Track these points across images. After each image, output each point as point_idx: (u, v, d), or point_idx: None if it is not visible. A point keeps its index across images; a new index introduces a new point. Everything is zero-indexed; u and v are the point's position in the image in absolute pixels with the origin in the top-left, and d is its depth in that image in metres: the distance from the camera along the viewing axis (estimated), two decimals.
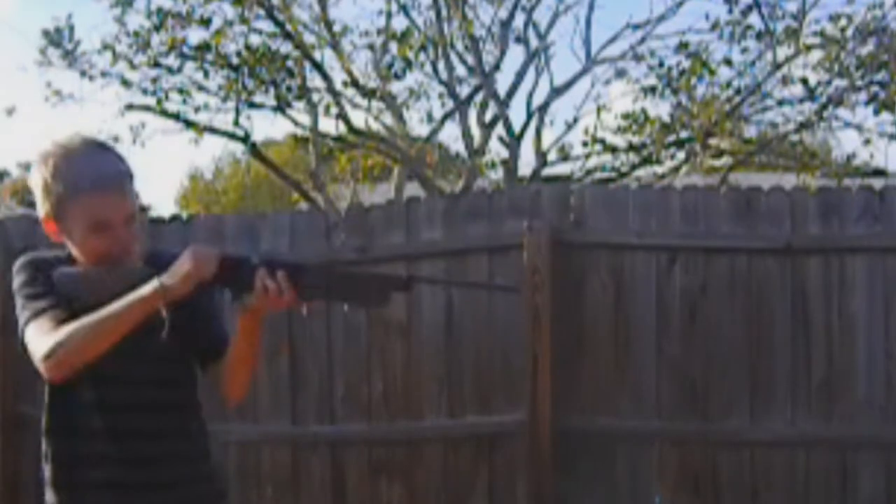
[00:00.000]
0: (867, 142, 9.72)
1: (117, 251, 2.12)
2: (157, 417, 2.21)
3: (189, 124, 10.08)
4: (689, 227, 5.15)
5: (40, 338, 2.06)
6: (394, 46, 10.19)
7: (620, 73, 10.48)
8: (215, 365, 2.25)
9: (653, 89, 10.25)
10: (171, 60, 9.82)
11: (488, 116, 10.31)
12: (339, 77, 10.11)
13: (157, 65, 9.81)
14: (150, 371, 2.19)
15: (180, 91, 10.00)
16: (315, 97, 10.18)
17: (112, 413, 2.17)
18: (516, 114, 14.97)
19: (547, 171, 10.47)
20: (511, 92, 10.40)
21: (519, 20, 10.41)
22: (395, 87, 10.45)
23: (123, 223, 2.12)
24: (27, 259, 2.19)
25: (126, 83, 9.82)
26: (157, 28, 9.60)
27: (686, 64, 9.87)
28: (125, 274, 2.10)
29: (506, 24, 10.32)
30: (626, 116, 10.41)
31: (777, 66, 9.56)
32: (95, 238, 2.11)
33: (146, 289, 2.03)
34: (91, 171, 2.09)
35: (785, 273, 5.08)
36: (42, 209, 2.15)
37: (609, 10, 26.72)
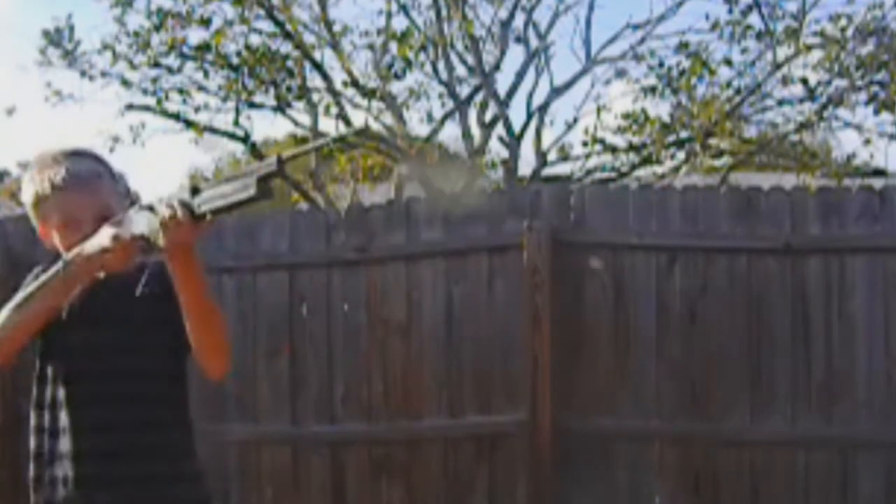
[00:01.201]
0: (867, 142, 9.72)
1: None
2: (134, 410, 2.20)
3: (189, 124, 10.08)
4: (689, 227, 5.15)
5: None
6: (394, 46, 10.18)
7: (620, 73, 10.48)
8: (186, 353, 2.23)
9: (653, 89, 10.24)
10: (171, 60, 9.82)
11: (488, 116, 10.30)
12: (339, 77, 10.12)
13: (157, 65, 9.81)
14: (112, 364, 2.20)
15: (180, 91, 10.00)
16: (315, 97, 10.18)
17: (85, 406, 2.18)
18: (516, 114, 14.95)
19: (547, 171, 10.46)
20: (511, 92, 10.40)
21: (519, 20, 10.42)
22: (395, 87, 10.44)
23: (93, 220, 2.15)
24: (36, 270, 2.26)
25: (126, 83, 9.82)
26: (157, 28, 9.60)
27: (686, 64, 9.87)
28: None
29: (506, 24, 10.32)
30: (626, 116, 10.40)
31: (777, 66, 9.56)
32: (71, 235, 2.17)
33: (67, 256, 2.10)
34: (64, 170, 2.20)
35: (785, 273, 5.08)
36: (31, 215, 2.28)
37: (609, 10, 26.66)
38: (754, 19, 9.60)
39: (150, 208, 2.03)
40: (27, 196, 2.26)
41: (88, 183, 2.21)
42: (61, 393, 2.19)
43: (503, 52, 10.29)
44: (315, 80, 10.09)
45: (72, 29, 9.87)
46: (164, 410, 2.26)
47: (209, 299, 2.13)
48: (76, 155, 2.26)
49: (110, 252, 2.04)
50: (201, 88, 10.01)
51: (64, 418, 2.18)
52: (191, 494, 2.28)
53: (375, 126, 10.52)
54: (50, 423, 2.21)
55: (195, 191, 1.98)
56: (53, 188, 2.19)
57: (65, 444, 2.18)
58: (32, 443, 2.26)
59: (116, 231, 2.04)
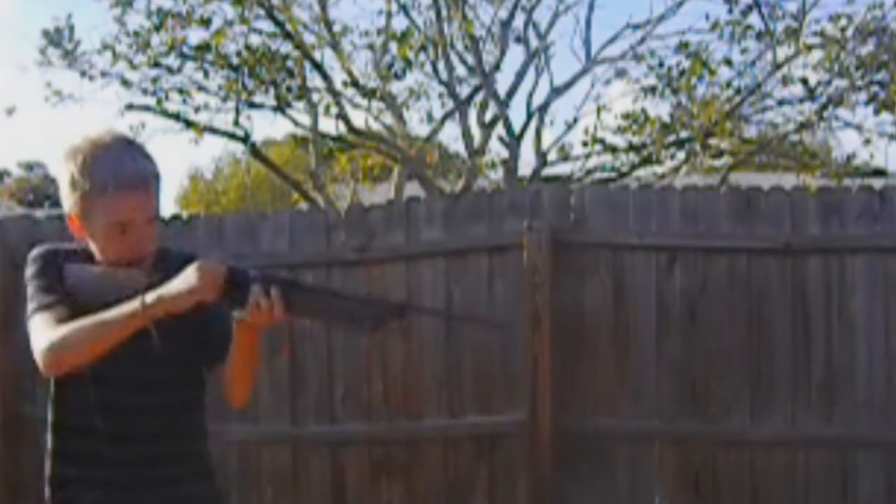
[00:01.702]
0: (867, 142, 9.71)
1: (137, 251, 2.12)
2: (157, 419, 2.20)
3: (189, 124, 10.07)
4: (689, 227, 5.15)
5: (42, 332, 2.07)
6: (394, 46, 10.17)
7: (620, 73, 10.47)
8: (219, 366, 2.23)
9: (653, 89, 10.24)
10: (171, 60, 9.80)
11: (488, 116, 10.30)
12: (339, 77, 10.11)
13: (157, 65, 9.80)
14: (152, 373, 2.18)
15: (180, 91, 9.99)
16: (315, 97, 10.17)
17: (112, 414, 2.16)
18: (516, 114, 14.99)
19: (547, 171, 10.46)
20: (511, 92, 10.39)
21: (519, 20, 10.41)
22: (395, 87, 10.44)
23: (146, 224, 2.11)
24: (41, 250, 2.20)
25: (126, 83, 9.81)
26: (157, 28, 9.59)
27: (686, 64, 9.86)
28: (136, 277, 2.08)
29: (506, 24, 10.31)
30: (626, 116, 10.40)
31: (777, 66, 9.55)
32: (117, 237, 2.11)
33: (147, 299, 2.02)
34: (118, 169, 2.07)
35: (785, 273, 5.08)
36: (67, 205, 2.14)
37: (609, 10, 26.75)
38: (754, 19, 9.60)
39: (246, 274, 2.02)
40: (68, 186, 2.11)
41: (145, 184, 2.11)
42: (93, 396, 2.15)
43: (503, 52, 10.29)
44: (315, 80, 10.09)
45: (72, 29, 9.87)
46: (189, 419, 2.28)
47: (259, 353, 2.18)
48: (131, 148, 2.13)
49: (191, 294, 2.00)
50: (201, 88, 10.00)
51: (98, 422, 2.15)
52: (209, 486, 2.32)
53: (375, 126, 10.53)
54: (80, 422, 2.17)
55: (295, 286, 2.00)
56: (107, 187, 2.06)
57: (96, 446, 2.16)
58: (51, 442, 2.21)
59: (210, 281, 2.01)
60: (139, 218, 2.10)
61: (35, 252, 2.20)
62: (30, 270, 2.18)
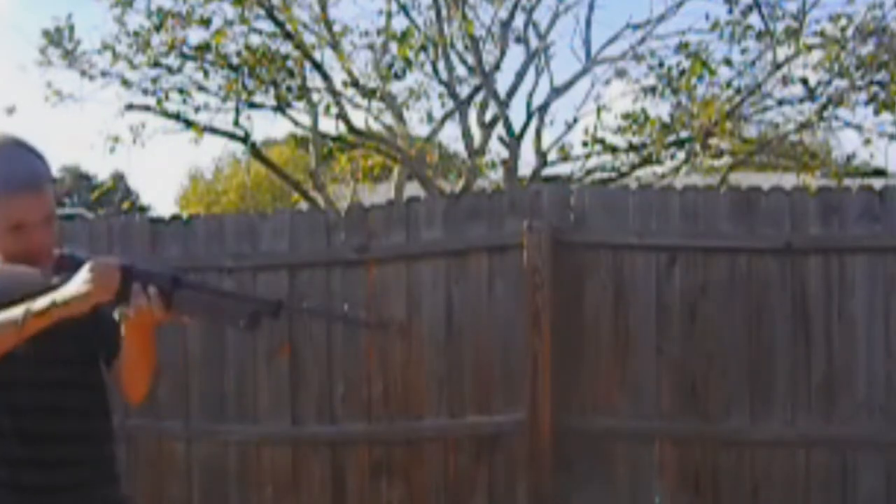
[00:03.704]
0: (867, 142, 9.71)
1: (33, 252, 2.11)
2: (63, 420, 2.19)
3: (189, 124, 10.07)
4: (689, 227, 5.15)
5: None
6: (394, 46, 10.17)
7: (620, 73, 10.46)
8: (112, 365, 2.23)
9: (653, 89, 10.24)
10: (171, 60, 9.81)
11: (488, 116, 10.30)
12: (339, 77, 10.11)
13: (157, 65, 9.80)
14: (58, 374, 2.18)
15: (180, 91, 9.99)
16: (315, 97, 10.17)
17: (19, 415, 2.15)
18: (516, 114, 14.96)
19: (547, 171, 10.46)
20: (511, 92, 10.40)
21: (519, 20, 10.41)
22: (395, 87, 10.44)
23: (39, 224, 2.11)
24: None
25: (126, 83, 9.81)
26: (157, 28, 9.59)
27: (686, 64, 9.86)
28: (37, 277, 2.07)
29: (506, 24, 10.31)
30: (626, 116, 10.40)
31: (777, 66, 9.55)
32: (11, 238, 2.11)
33: (40, 303, 2.02)
34: (7, 171, 2.07)
35: (785, 273, 5.08)
36: None
37: (609, 10, 26.67)
38: (754, 19, 9.60)
39: (130, 271, 2.01)
40: None
41: (38, 184, 2.10)
42: (1, 399, 2.14)
43: (503, 52, 10.29)
44: (315, 80, 10.09)
45: (72, 29, 9.87)
46: (95, 420, 2.26)
47: (152, 351, 2.16)
48: (20, 149, 2.12)
49: (90, 303, 2.00)
50: (201, 88, 10.00)
51: (6, 424, 2.14)
52: (115, 492, 2.31)
53: (375, 126, 10.53)
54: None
55: (177, 283, 1.99)
56: (2, 189, 2.06)
57: (4, 448, 2.15)
58: None
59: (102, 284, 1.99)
60: (32, 219, 2.09)
61: None
62: None
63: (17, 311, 2.03)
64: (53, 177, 2.17)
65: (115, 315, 2.06)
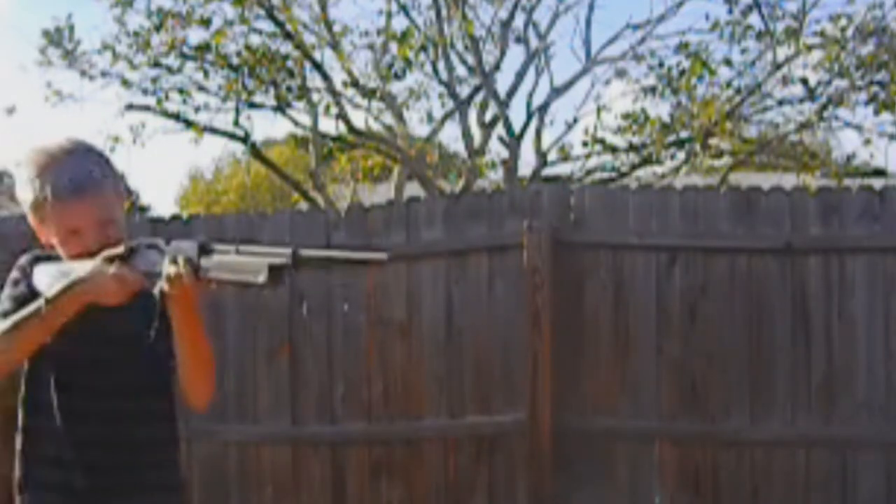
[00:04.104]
0: (867, 142, 9.72)
1: (93, 256, 2.10)
2: (122, 425, 2.18)
3: (189, 124, 10.08)
4: (689, 227, 5.15)
5: None
6: (394, 46, 10.18)
7: (620, 73, 10.47)
8: (173, 368, 2.20)
9: (653, 89, 10.24)
10: (171, 60, 9.82)
11: (488, 116, 10.30)
12: (339, 77, 10.12)
13: (157, 65, 9.81)
14: (119, 379, 2.18)
15: (180, 91, 10.00)
16: (315, 97, 10.18)
17: (77, 418, 2.15)
18: (516, 114, 14.98)
19: (547, 171, 10.46)
20: (511, 92, 10.40)
21: (519, 20, 10.42)
22: (395, 87, 10.45)
23: (94, 228, 2.12)
24: (20, 260, 2.21)
25: (126, 83, 9.82)
26: (157, 28, 9.59)
27: (686, 64, 9.87)
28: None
29: (506, 24, 10.32)
30: (626, 116, 10.40)
31: (777, 66, 9.56)
32: (70, 242, 2.12)
33: (54, 288, 2.04)
34: (63, 178, 2.09)
35: (785, 273, 5.08)
36: (28, 216, 2.18)
37: (609, 10, 26.71)
38: (754, 19, 9.61)
39: (156, 247, 2.03)
40: (24, 197, 2.15)
41: (90, 190, 2.10)
42: (58, 401, 2.14)
43: (503, 52, 10.29)
44: (315, 80, 10.10)
45: (72, 29, 9.88)
46: (158, 426, 2.24)
47: (204, 340, 2.14)
48: (77, 154, 2.13)
49: (108, 287, 2.00)
50: (201, 88, 10.01)
51: (61, 426, 2.14)
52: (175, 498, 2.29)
53: (375, 126, 10.54)
54: (44, 427, 2.16)
55: (204, 249, 1.98)
56: (53, 197, 2.08)
57: (58, 450, 2.14)
58: (20, 443, 2.20)
59: (120, 273, 2.01)
60: (85, 224, 2.11)
61: (19, 261, 2.22)
62: (10, 275, 2.20)
63: (38, 302, 2.05)
64: (117, 177, 2.17)
65: (156, 291, 2.05)
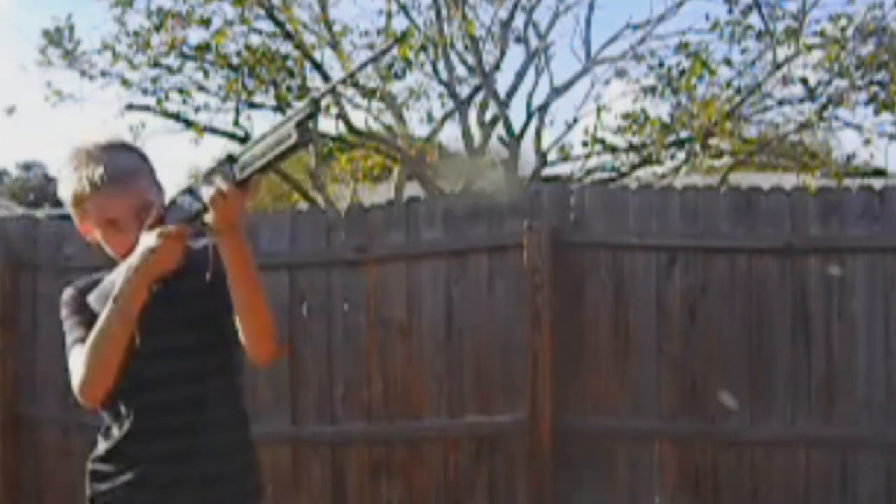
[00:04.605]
0: (867, 142, 9.71)
1: (132, 248, 2.11)
2: (195, 412, 2.21)
3: (189, 124, 10.07)
4: (689, 227, 5.15)
5: (74, 371, 2.13)
6: (393, 46, 10.16)
7: (620, 73, 10.46)
8: (222, 284, 2.19)
9: (653, 89, 10.23)
10: (171, 60, 9.80)
11: (488, 116, 10.30)
12: (338, 77, 10.09)
13: (157, 65, 9.80)
14: (183, 366, 2.21)
15: (180, 91, 9.99)
16: None
17: (157, 413, 2.17)
18: (516, 114, 14.94)
19: (547, 171, 10.46)
20: (511, 92, 10.39)
21: (519, 20, 10.40)
22: (395, 87, 10.44)
23: (132, 217, 2.14)
24: (65, 293, 2.25)
25: (126, 83, 9.81)
26: (157, 28, 9.58)
27: (686, 64, 9.86)
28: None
29: (506, 24, 10.31)
30: (626, 116, 10.39)
31: (777, 66, 9.55)
32: (112, 235, 2.18)
33: (119, 281, 2.07)
34: (102, 169, 2.15)
35: (785, 273, 5.09)
36: (71, 213, 2.23)
37: (609, 10, 26.69)
38: (754, 19, 9.59)
39: (190, 191, 2.04)
40: (65, 194, 2.21)
41: (127, 180, 2.17)
42: (140, 399, 2.17)
43: (503, 52, 10.28)
44: (315, 80, 10.08)
45: (72, 29, 9.86)
46: (229, 406, 2.31)
47: (258, 281, 2.15)
48: (114, 148, 2.21)
49: (157, 252, 2.02)
50: (201, 88, 10.00)
51: (147, 422, 2.16)
52: (254, 483, 2.32)
53: (375, 126, 10.53)
54: (127, 425, 2.18)
55: (231, 159, 1.98)
56: (92, 188, 2.15)
57: (143, 446, 2.17)
58: (103, 445, 2.22)
59: (163, 231, 2.03)
60: (125, 215, 2.16)
61: (62, 296, 2.25)
62: (62, 313, 2.23)
63: (108, 307, 2.08)
64: (152, 169, 2.24)
65: (208, 239, 2.07)
